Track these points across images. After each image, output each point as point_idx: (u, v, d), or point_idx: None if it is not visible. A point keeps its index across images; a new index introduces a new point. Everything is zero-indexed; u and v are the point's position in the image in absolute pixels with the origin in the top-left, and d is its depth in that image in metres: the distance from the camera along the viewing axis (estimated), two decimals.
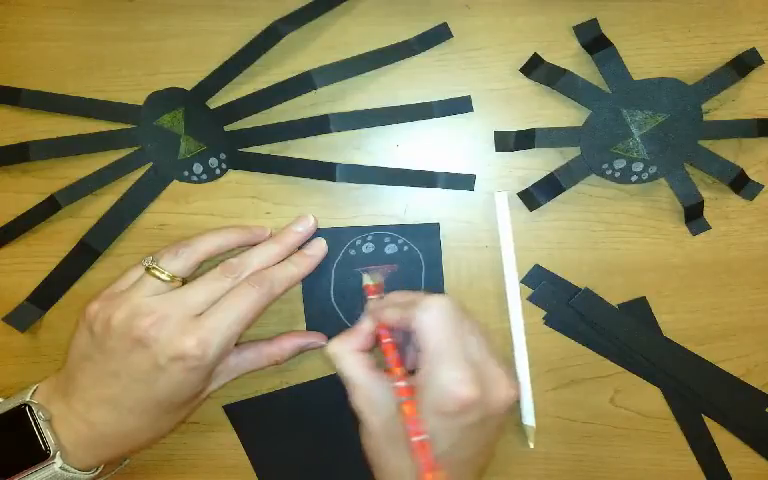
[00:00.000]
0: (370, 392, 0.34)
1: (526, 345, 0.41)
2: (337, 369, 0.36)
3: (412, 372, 0.34)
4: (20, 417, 0.35)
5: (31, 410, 0.35)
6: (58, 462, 0.35)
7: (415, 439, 0.32)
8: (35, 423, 0.35)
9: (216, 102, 0.41)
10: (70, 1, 0.41)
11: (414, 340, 0.35)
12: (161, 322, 0.34)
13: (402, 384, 0.33)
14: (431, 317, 0.33)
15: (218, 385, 0.40)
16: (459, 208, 0.41)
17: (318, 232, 0.41)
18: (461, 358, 0.32)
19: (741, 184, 0.40)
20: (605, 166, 0.40)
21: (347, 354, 0.35)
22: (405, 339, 0.38)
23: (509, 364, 0.42)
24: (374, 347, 0.37)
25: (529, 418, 0.41)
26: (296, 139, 0.41)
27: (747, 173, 0.40)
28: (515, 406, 0.36)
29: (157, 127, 0.41)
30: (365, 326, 0.37)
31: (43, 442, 0.35)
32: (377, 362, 0.36)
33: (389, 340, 0.36)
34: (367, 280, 0.40)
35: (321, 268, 0.41)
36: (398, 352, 0.36)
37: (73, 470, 0.35)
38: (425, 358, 0.33)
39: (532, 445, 0.42)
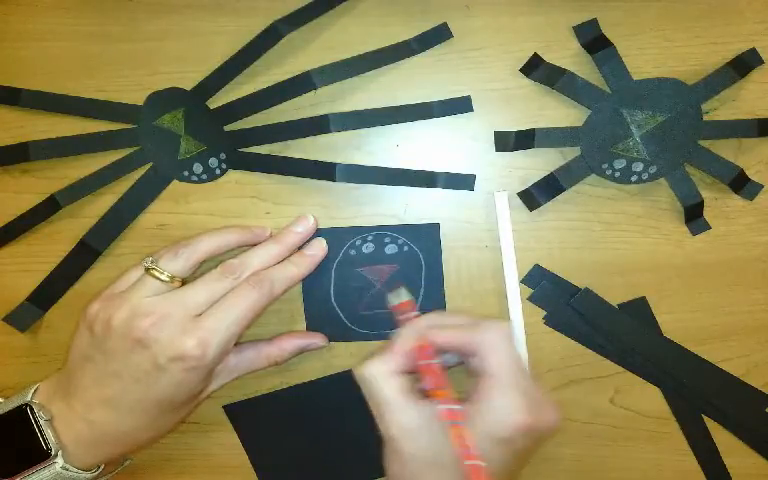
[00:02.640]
0: (407, 418, 0.33)
1: (526, 345, 0.41)
2: (370, 392, 0.34)
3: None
4: (21, 417, 0.35)
5: (32, 410, 0.35)
6: (59, 462, 0.35)
7: (471, 463, 0.31)
8: (36, 423, 0.35)
9: (216, 102, 0.41)
10: (70, 1, 0.41)
11: (469, 362, 0.35)
12: (161, 322, 0.34)
13: (457, 407, 0.32)
14: (497, 341, 0.33)
15: (218, 385, 0.40)
16: (459, 208, 0.41)
17: (318, 232, 0.41)
18: (520, 385, 0.32)
19: (741, 184, 0.40)
20: (605, 166, 0.40)
21: (386, 377, 0.34)
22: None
23: None
24: (412, 371, 0.35)
25: None
26: (296, 139, 0.41)
27: (747, 173, 0.40)
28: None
29: (157, 127, 0.41)
30: (402, 346, 0.35)
31: (44, 442, 0.35)
32: (411, 386, 0.34)
33: (437, 362, 0.34)
34: (394, 300, 0.38)
35: (321, 268, 0.41)
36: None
37: (74, 470, 0.35)
38: (486, 381, 0.32)
39: None
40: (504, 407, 0.32)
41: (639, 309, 0.41)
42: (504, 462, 0.32)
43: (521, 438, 0.32)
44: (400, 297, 0.39)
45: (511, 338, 0.34)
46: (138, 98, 0.41)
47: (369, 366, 0.34)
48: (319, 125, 0.40)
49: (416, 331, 0.35)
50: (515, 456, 0.32)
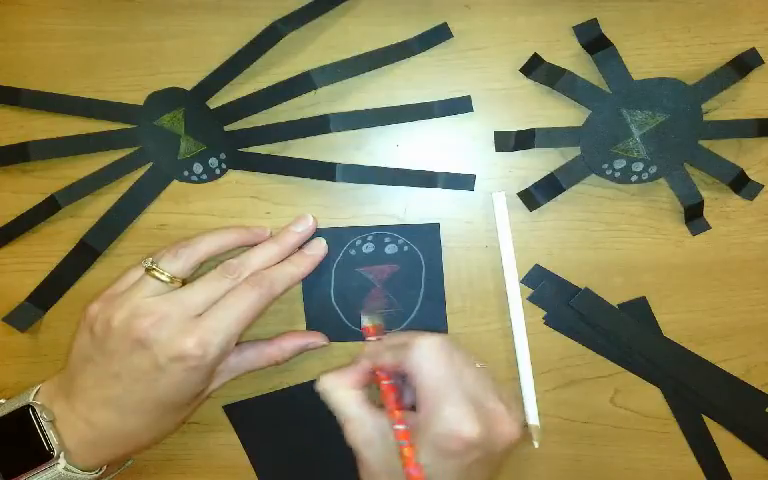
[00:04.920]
0: (364, 427, 0.34)
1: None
2: (329, 404, 0.35)
3: (412, 408, 0.34)
4: (24, 418, 0.35)
5: (34, 411, 0.35)
6: (62, 463, 0.35)
7: None
8: (38, 424, 0.35)
9: (216, 102, 0.41)
10: (70, 1, 0.41)
11: (409, 382, 0.35)
12: (161, 322, 0.34)
13: (401, 427, 0.33)
14: (423, 357, 0.33)
15: (219, 384, 0.40)
16: (459, 208, 0.41)
17: (318, 232, 0.41)
18: (460, 395, 0.32)
19: (741, 184, 0.40)
20: (605, 166, 0.40)
21: (340, 389, 0.35)
22: (403, 379, 0.37)
23: (511, 366, 0.42)
24: (369, 384, 0.36)
25: (534, 418, 0.41)
26: (296, 139, 0.41)
27: (747, 173, 0.40)
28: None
29: (157, 127, 0.41)
30: (362, 365, 0.36)
31: (47, 443, 0.35)
32: (371, 398, 0.35)
33: (387, 383, 0.35)
34: (366, 322, 0.40)
35: (321, 268, 0.41)
36: (397, 393, 0.35)
37: (76, 470, 0.35)
38: (422, 398, 0.32)
39: (537, 444, 0.42)
40: (447, 420, 0.31)
41: (639, 309, 0.41)
42: (458, 476, 0.32)
43: (469, 449, 0.31)
44: (371, 321, 0.40)
45: (440, 350, 0.33)
46: (138, 98, 0.41)
47: (327, 378, 0.36)
48: (319, 125, 0.40)
49: (370, 354, 0.37)
50: (465, 470, 0.32)
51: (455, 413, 0.31)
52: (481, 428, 0.31)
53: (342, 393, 0.35)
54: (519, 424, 0.34)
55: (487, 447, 0.32)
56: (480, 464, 0.32)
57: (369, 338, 0.39)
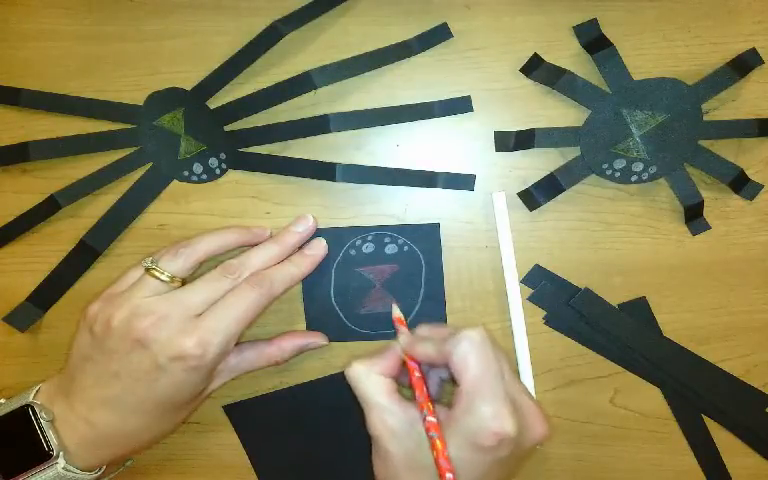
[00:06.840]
0: (391, 417, 0.33)
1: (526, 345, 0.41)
2: (356, 391, 0.35)
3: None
4: (23, 418, 0.35)
5: (34, 411, 0.35)
6: (61, 462, 0.35)
7: (449, 476, 0.31)
8: (38, 424, 0.35)
9: (216, 102, 0.41)
10: (70, 1, 0.41)
11: (446, 373, 0.35)
12: (161, 322, 0.34)
13: (434, 419, 0.33)
14: (468, 351, 0.33)
15: (218, 384, 0.40)
16: (459, 208, 0.41)
17: (318, 232, 0.41)
18: (499, 393, 0.32)
19: (741, 184, 0.40)
20: (605, 166, 0.40)
21: (371, 376, 0.35)
22: (426, 370, 0.37)
23: (511, 366, 0.42)
24: (398, 376, 0.36)
25: None
26: (296, 139, 0.41)
27: (747, 173, 0.40)
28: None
29: (157, 127, 0.41)
30: (394, 354, 0.36)
31: (46, 442, 0.35)
32: (399, 389, 0.35)
33: (419, 375, 0.35)
34: (397, 312, 0.39)
35: (321, 268, 0.41)
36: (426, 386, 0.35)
37: (76, 470, 0.35)
38: (463, 391, 0.32)
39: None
40: (485, 416, 0.31)
41: (639, 309, 0.41)
42: (480, 470, 0.32)
43: (502, 445, 0.31)
44: (395, 312, 0.40)
45: (483, 346, 0.33)
46: (138, 98, 0.41)
47: (357, 365, 0.35)
48: (319, 125, 0.40)
49: (405, 344, 0.36)
50: (492, 465, 0.32)
51: (493, 410, 0.31)
52: (516, 425, 0.32)
53: (373, 380, 0.34)
54: (548, 423, 0.34)
55: (518, 445, 0.32)
56: (506, 461, 0.32)
57: (401, 329, 0.38)
